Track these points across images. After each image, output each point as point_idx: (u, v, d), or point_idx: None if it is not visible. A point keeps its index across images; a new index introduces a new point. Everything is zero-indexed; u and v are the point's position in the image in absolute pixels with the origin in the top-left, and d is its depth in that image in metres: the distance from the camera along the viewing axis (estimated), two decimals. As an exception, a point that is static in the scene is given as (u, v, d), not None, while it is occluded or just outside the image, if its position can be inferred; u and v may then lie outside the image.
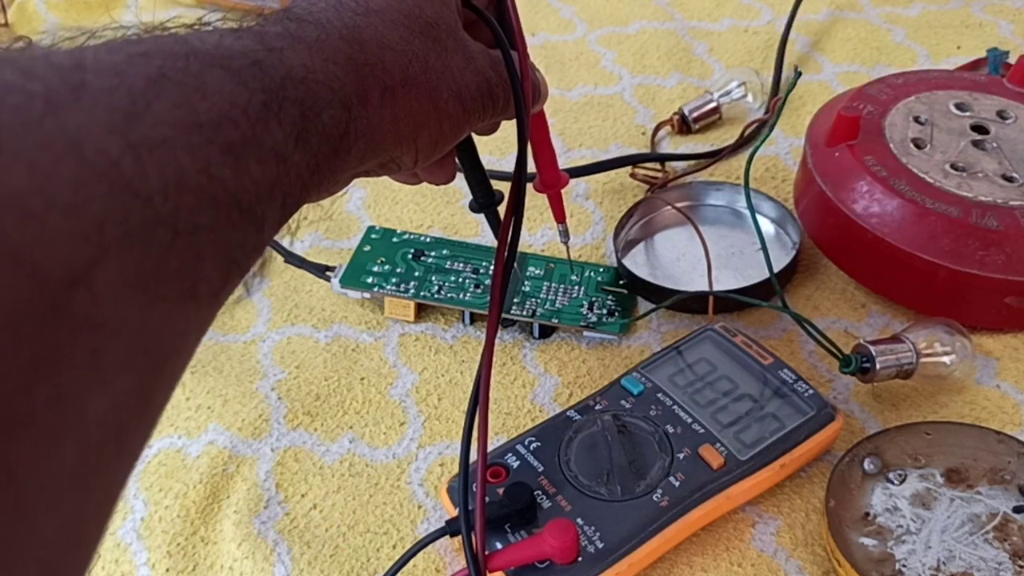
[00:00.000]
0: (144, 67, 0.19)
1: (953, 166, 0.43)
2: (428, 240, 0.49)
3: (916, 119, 0.46)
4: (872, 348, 0.39)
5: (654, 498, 0.34)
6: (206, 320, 0.21)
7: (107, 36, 0.21)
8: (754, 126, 0.56)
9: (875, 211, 0.42)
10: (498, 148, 0.57)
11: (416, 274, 0.47)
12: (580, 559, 0.32)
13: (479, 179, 0.37)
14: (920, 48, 0.62)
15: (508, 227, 0.33)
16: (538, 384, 0.43)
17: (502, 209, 0.35)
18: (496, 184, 0.38)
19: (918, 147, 0.45)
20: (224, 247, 0.20)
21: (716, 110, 0.57)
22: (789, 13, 0.64)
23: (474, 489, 0.33)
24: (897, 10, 0.67)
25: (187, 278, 0.19)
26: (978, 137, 0.45)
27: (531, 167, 0.40)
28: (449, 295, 0.45)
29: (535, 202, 0.52)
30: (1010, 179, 0.43)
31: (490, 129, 0.36)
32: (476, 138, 0.36)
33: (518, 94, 0.32)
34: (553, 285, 0.46)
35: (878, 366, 0.38)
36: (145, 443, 0.19)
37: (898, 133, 0.45)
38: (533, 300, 0.45)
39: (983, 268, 0.40)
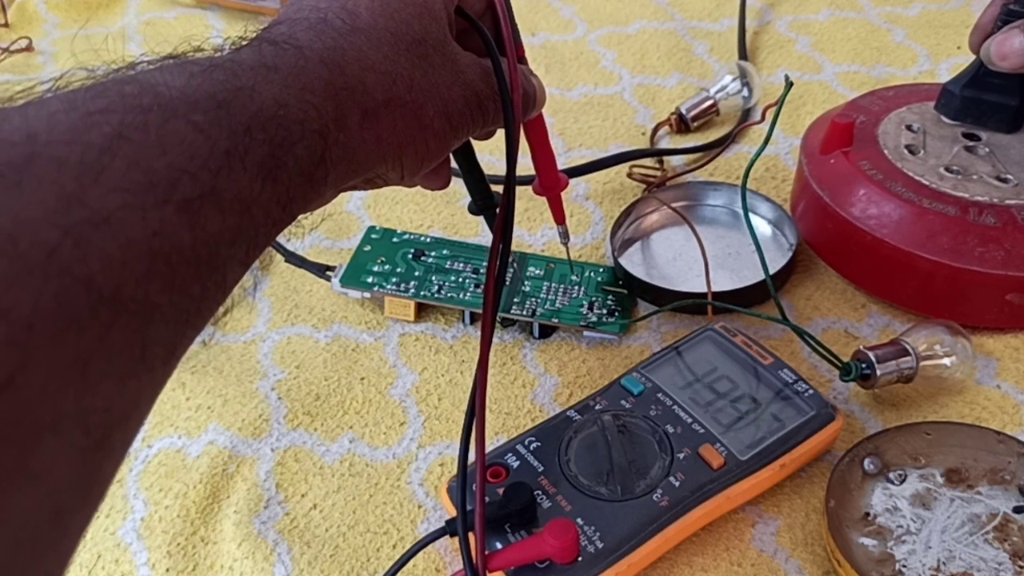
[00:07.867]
0: (102, 127, 0.19)
1: (947, 169, 0.43)
2: (428, 240, 0.49)
3: (908, 127, 0.47)
4: (872, 354, 0.38)
5: (654, 498, 0.34)
6: (161, 380, 0.20)
7: (78, 79, 0.21)
8: (748, 126, 0.56)
9: (873, 213, 0.43)
10: (497, 149, 0.56)
11: (416, 274, 0.47)
12: (580, 559, 0.32)
13: (477, 181, 0.37)
14: (920, 48, 0.62)
15: (498, 246, 0.33)
16: (538, 384, 0.43)
17: None
18: (494, 186, 0.38)
19: (912, 153, 0.45)
20: (179, 306, 0.20)
21: (713, 107, 0.57)
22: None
23: (473, 489, 0.33)
24: (897, 10, 0.67)
25: (135, 347, 0.19)
26: (970, 143, 0.45)
27: (531, 170, 0.41)
28: (449, 295, 0.45)
29: (536, 201, 0.52)
30: (1004, 180, 0.43)
31: (486, 136, 0.36)
32: (474, 141, 0.36)
33: (506, 105, 0.32)
34: (553, 285, 0.46)
35: (879, 372, 0.38)
36: (94, 512, 0.19)
37: (891, 140, 0.46)
38: (533, 300, 0.45)
39: (983, 265, 0.40)
